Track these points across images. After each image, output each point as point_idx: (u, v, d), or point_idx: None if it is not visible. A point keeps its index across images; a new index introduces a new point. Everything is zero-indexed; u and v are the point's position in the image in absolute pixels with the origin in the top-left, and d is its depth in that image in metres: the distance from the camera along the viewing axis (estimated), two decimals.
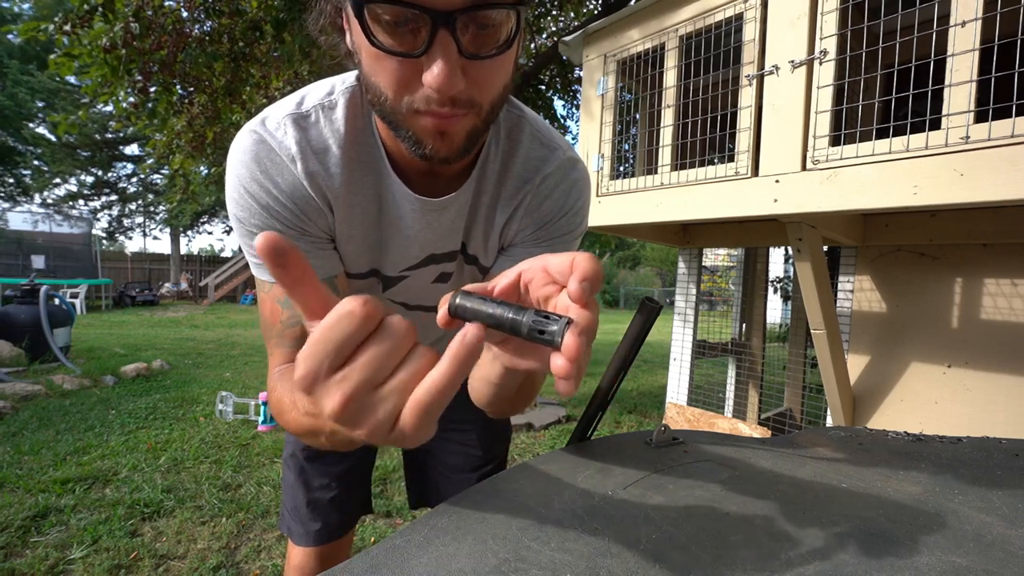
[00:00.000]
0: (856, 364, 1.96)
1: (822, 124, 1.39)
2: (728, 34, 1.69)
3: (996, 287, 1.69)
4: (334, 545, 0.92)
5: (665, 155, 1.83)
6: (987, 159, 1.13)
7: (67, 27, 2.90)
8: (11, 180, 16.60)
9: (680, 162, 1.82)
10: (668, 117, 1.83)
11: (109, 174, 19.32)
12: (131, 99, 3.47)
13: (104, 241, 21.31)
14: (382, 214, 0.62)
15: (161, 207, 19.94)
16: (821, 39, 1.40)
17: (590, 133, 2.08)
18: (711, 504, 0.45)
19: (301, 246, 0.59)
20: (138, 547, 1.79)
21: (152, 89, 3.42)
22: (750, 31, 1.57)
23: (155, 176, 18.68)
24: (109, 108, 3.78)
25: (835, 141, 1.40)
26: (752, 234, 2.19)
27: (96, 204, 20.26)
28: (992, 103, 1.13)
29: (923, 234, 1.78)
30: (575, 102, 6.18)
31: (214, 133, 3.97)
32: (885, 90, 1.63)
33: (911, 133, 1.24)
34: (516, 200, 0.64)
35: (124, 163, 19.41)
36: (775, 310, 4.63)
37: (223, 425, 3.19)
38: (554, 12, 5.34)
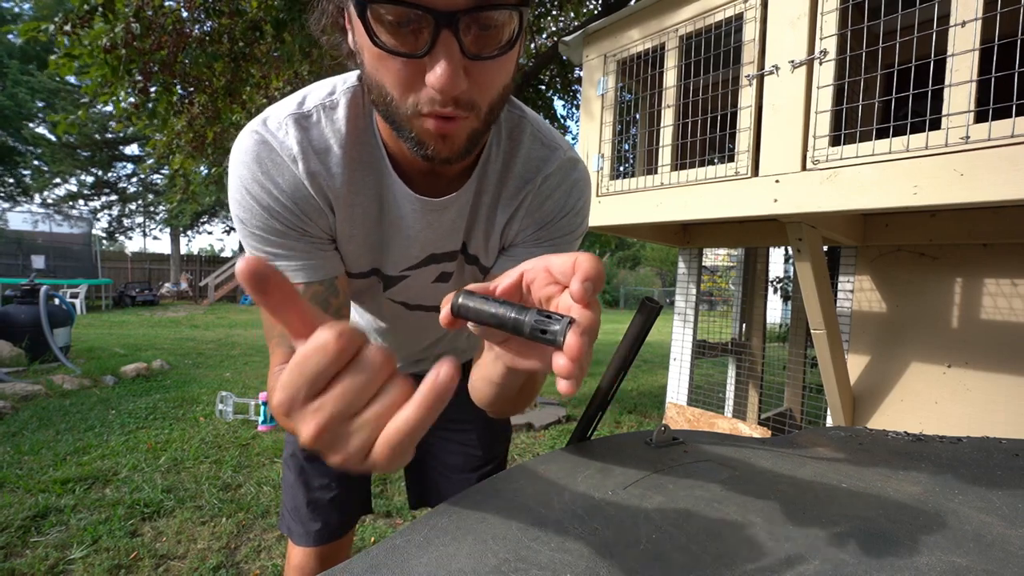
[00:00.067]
0: (856, 364, 1.96)
1: (822, 124, 1.39)
2: (728, 34, 1.69)
3: (996, 287, 1.69)
4: (334, 545, 0.92)
5: (665, 155, 1.83)
6: (987, 159, 1.13)
7: (67, 27, 2.90)
8: (11, 180, 16.60)
9: (680, 162, 1.82)
10: (668, 117, 1.83)
11: (109, 174, 19.33)
12: (131, 99, 3.47)
13: (104, 241, 21.33)
14: (383, 214, 0.62)
15: (161, 207, 19.95)
16: (821, 39, 1.40)
17: (590, 133, 2.08)
18: (711, 504, 0.45)
19: (302, 247, 0.59)
20: (138, 547, 1.79)
21: (152, 89, 3.42)
22: (750, 31, 1.57)
23: (155, 176, 18.69)
24: (109, 108, 3.78)
25: (835, 141, 1.40)
26: (752, 234, 2.19)
27: (96, 204, 20.29)
28: (992, 103, 1.13)
29: (923, 234, 1.77)
30: (575, 102, 6.18)
31: (214, 133, 3.96)
32: (885, 90, 1.63)
33: (911, 133, 1.24)
34: (517, 200, 0.64)
35: (124, 163, 19.44)
36: (775, 310, 4.63)
37: (223, 425, 3.19)
38: (554, 12, 5.34)
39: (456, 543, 0.39)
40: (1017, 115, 1.09)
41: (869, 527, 0.42)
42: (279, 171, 0.56)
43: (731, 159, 1.62)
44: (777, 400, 2.72)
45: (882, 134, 1.31)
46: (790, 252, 2.32)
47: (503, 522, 0.42)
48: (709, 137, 1.74)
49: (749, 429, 2.02)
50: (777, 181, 1.48)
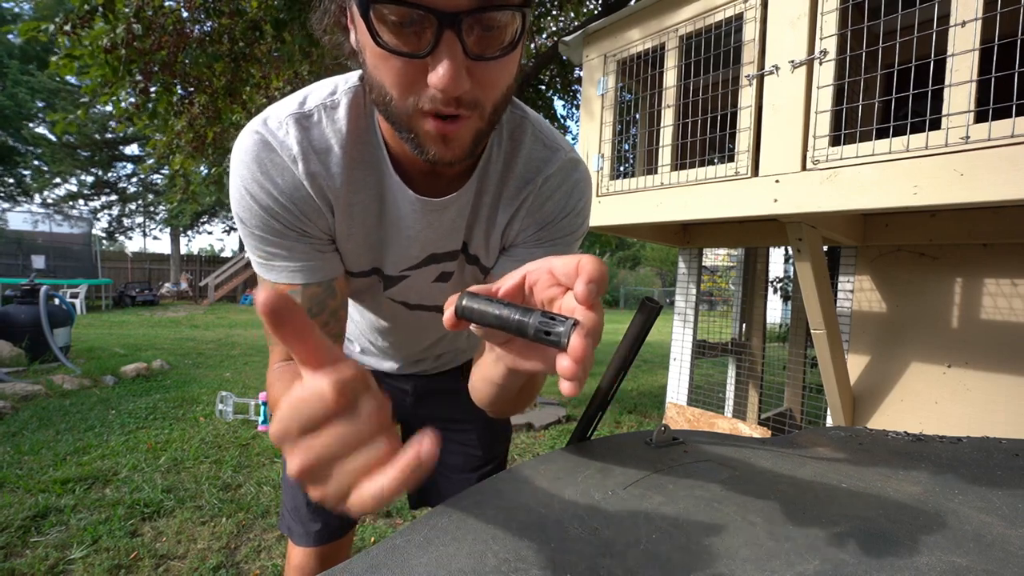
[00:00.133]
0: (856, 364, 1.96)
1: (822, 124, 1.39)
2: (728, 34, 1.69)
3: (996, 287, 1.69)
4: (334, 545, 0.92)
5: (665, 155, 1.83)
6: (987, 159, 1.13)
7: (67, 27, 2.90)
8: (11, 180, 16.60)
9: (680, 162, 1.82)
10: (668, 117, 1.83)
11: (109, 174, 19.32)
12: (132, 99, 3.47)
13: (104, 241, 21.32)
14: (383, 214, 0.62)
15: (161, 207, 19.95)
16: (821, 39, 1.40)
17: (590, 133, 2.08)
18: (711, 504, 0.45)
19: (301, 247, 0.59)
20: (138, 547, 1.79)
21: (152, 89, 3.42)
22: (750, 31, 1.57)
23: (155, 176, 18.69)
24: (109, 108, 3.78)
25: (835, 141, 1.40)
26: (752, 234, 2.19)
27: (96, 204, 20.29)
28: (992, 103, 1.13)
29: (923, 234, 1.78)
30: (575, 102, 6.18)
31: (214, 133, 3.96)
32: (885, 90, 1.63)
33: (911, 133, 1.24)
34: (518, 200, 0.64)
35: (124, 163, 19.43)
36: (775, 310, 4.63)
37: (223, 425, 3.19)
38: (554, 12, 5.34)
39: (456, 543, 0.39)
40: (1017, 115, 1.09)
41: (869, 527, 0.42)
42: (279, 172, 0.56)
43: (731, 159, 1.62)
44: (777, 400, 2.72)
45: (882, 134, 1.31)
46: (790, 252, 2.32)
47: (503, 522, 0.42)
48: (709, 137, 1.74)
49: (749, 429, 2.02)
50: (777, 181, 1.48)
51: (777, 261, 4.50)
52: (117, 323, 9.11)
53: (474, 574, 0.36)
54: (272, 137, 0.55)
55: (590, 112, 2.09)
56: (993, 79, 1.14)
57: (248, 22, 3.29)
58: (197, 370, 4.95)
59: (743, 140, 1.57)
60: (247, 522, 2.00)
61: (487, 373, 0.51)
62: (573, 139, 6.48)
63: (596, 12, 5.00)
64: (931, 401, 1.79)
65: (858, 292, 1.97)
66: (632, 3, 2.49)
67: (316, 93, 0.58)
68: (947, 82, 1.19)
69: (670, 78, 1.81)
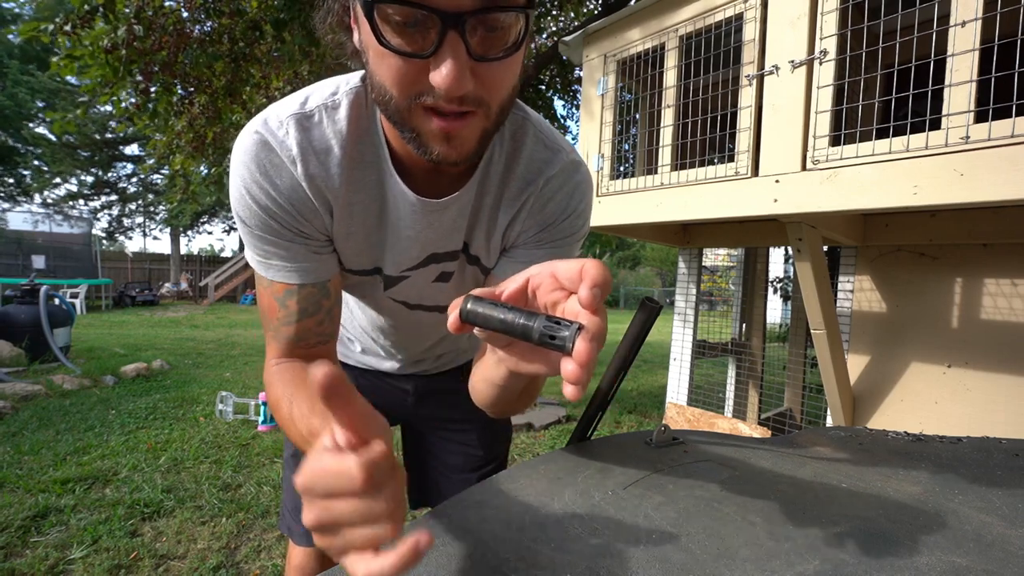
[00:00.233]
0: (856, 364, 1.96)
1: (822, 124, 1.39)
2: (728, 34, 1.69)
3: (996, 287, 1.69)
4: None
5: (665, 155, 1.83)
6: (987, 159, 1.13)
7: (68, 28, 2.90)
8: (11, 180, 16.60)
9: (680, 162, 1.82)
10: (668, 117, 1.83)
11: (109, 174, 19.32)
12: (132, 99, 3.47)
13: (104, 241, 21.31)
14: (383, 214, 0.62)
15: (161, 207, 19.95)
16: (821, 39, 1.40)
17: (590, 133, 2.08)
18: (711, 504, 0.45)
19: (298, 248, 0.60)
20: (138, 547, 1.79)
21: (153, 89, 3.42)
22: (750, 31, 1.57)
23: (155, 176, 18.69)
24: (109, 108, 3.78)
25: (835, 141, 1.40)
26: (752, 234, 2.19)
27: (96, 204, 20.28)
28: (992, 103, 1.12)
29: (923, 234, 1.77)
30: (575, 102, 6.18)
31: (214, 133, 3.97)
32: (885, 90, 1.63)
33: (911, 133, 1.24)
34: (519, 201, 0.64)
35: (124, 163, 19.42)
36: (775, 310, 4.63)
37: (223, 425, 3.19)
38: (554, 12, 5.34)
39: (456, 543, 0.39)
40: (1017, 115, 1.08)
41: (869, 527, 0.42)
42: (277, 172, 0.56)
43: (731, 159, 1.62)
44: (777, 400, 2.72)
45: (882, 134, 1.31)
46: (790, 252, 2.32)
47: (503, 522, 0.42)
48: (709, 137, 1.74)
49: (749, 429, 2.02)
50: (777, 181, 1.48)
51: (777, 261, 4.50)
52: (117, 323, 9.11)
53: (474, 574, 0.36)
54: (272, 137, 0.55)
55: (590, 112, 2.09)
56: (993, 79, 1.14)
57: (248, 22, 3.29)
58: (197, 370, 4.95)
59: (743, 140, 1.57)
60: (247, 522, 2.00)
61: (488, 374, 0.51)
62: (573, 139, 6.48)
63: (596, 12, 5.00)
64: (931, 401, 1.79)
65: (858, 292, 1.97)
66: (632, 3, 2.49)
67: (318, 93, 0.58)
68: (947, 82, 1.19)
69: (670, 78, 1.81)
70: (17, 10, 13.99)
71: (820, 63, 1.40)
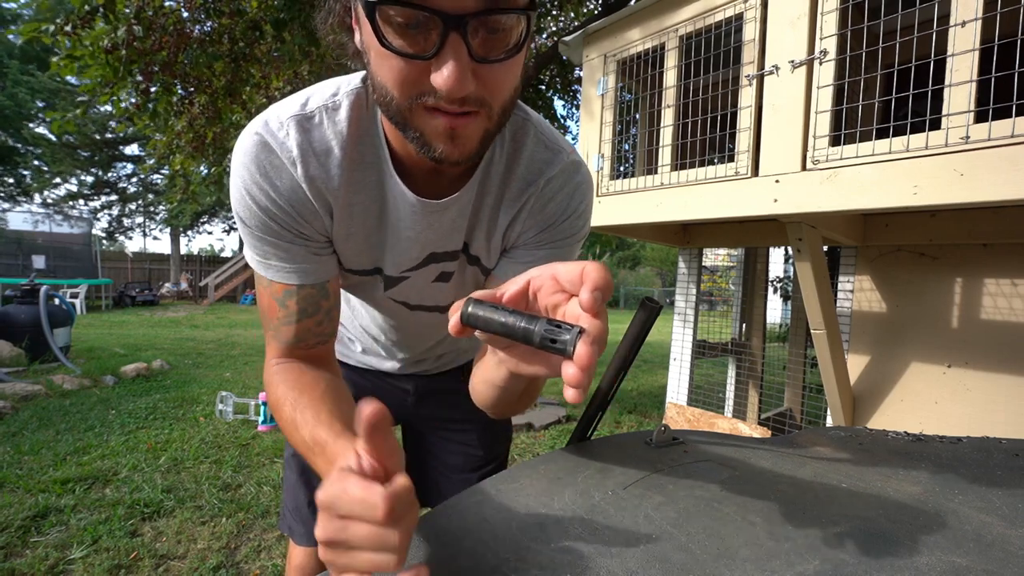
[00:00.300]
0: (856, 364, 1.96)
1: (822, 124, 1.39)
2: (728, 34, 1.69)
3: (996, 287, 1.69)
4: None
5: (665, 155, 1.83)
6: (987, 159, 1.13)
7: (68, 28, 2.90)
8: (11, 180, 16.60)
9: (680, 162, 1.82)
10: (668, 117, 1.83)
11: (109, 174, 19.32)
12: (132, 99, 3.47)
13: (104, 241, 21.31)
14: (383, 214, 0.62)
15: (161, 207, 19.95)
16: (821, 39, 1.40)
17: (590, 133, 2.08)
18: (711, 504, 0.45)
19: (298, 249, 0.60)
20: (138, 547, 1.79)
21: (153, 89, 3.42)
22: (750, 31, 1.57)
23: (155, 176, 18.69)
24: (109, 108, 3.78)
25: (835, 141, 1.40)
26: (752, 234, 2.19)
27: (96, 204, 20.28)
28: (992, 103, 1.12)
29: (923, 234, 1.77)
30: (575, 102, 6.18)
31: (214, 133, 3.96)
32: (885, 90, 1.63)
33: (911, 133, 1.24)
34: (520, 202, 0.64)
35: (124, 163, 19.42)
36: (775, 310, 4.63)
37: (223, 425, 3.19)
38: (554, 12, 5.34)
39: (456, 543, 0.39)
40: (1017, 115, 1.08)
41: (869, 527, 0.42)
42: (277, 174, 0.56)
43: (731, 159, 1.62)
44: (777, 400, 2.72)
45: (882, 134, 1.31)
46: (790, 252, 2.32)
47: (503, 522, 0.42)
48: (709, 137, 1.74)
49: (749, 429, 2.02)
50: (777, 181, 1.48)
51: (777, 261, 4.50)
52: (117, 323, 9.11)
53: (474, 574, 0.36)
54: (272, 139, 0.55)
55: (590, 112, 2.09)
56: (993, 79, 1.14)
57: (248, 22, 3.29)
58: (197, 370, 4.95)
59: (743, 140, 1.57)
60: (247, 522, 2.00)
61: (488, 376, 0.51)
62: (573, 139, 6.48)
63: (596, 12, 5.00)
64: (931, 401, 1.79)
65: (858, 292, 1.97)
66: (632, 3, 2.49)
67: (318, 94, 0.58)
68: (947, 82, 1.19)
69: (670, 78, 1.81)
70: (18, 10, 13.99)
71: (820, 63, 1.40)
